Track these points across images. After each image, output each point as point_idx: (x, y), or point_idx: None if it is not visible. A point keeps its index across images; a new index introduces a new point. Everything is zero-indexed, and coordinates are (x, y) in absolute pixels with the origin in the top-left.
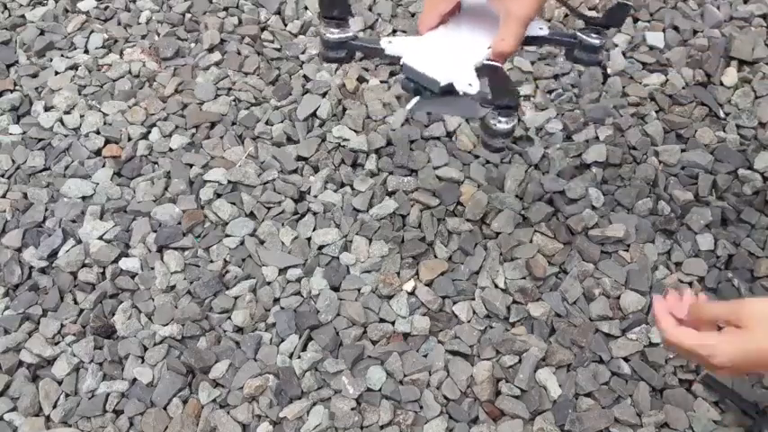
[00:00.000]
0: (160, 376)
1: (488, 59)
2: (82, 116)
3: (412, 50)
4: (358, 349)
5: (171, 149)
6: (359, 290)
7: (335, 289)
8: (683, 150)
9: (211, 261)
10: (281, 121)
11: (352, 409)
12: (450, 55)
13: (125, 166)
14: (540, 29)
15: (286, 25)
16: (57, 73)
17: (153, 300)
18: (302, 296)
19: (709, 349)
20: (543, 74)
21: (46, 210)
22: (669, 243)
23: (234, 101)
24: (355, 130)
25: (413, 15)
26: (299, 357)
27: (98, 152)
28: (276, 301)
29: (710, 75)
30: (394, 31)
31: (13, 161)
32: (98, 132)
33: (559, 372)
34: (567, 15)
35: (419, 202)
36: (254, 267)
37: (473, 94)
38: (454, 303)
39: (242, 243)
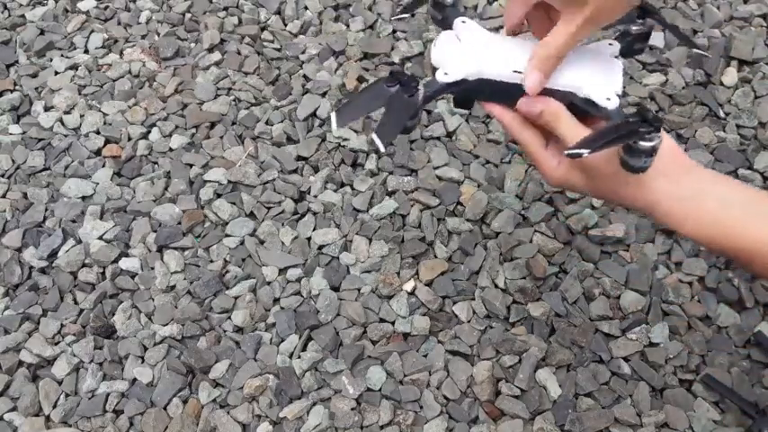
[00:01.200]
0: (160, 376)
1: None
2: (82, 116)
3: (464, 35)
4: (358, 349)
5: (171, 149)
6: (359, 290)
7: (335, 289)
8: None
9: (211, 261)
10: (281, 121)
11: (352, 409)
12: (478, 54)
13: (125, 166)
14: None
15: (286, 25)
16: (57, 73)
17: (153, 300)
18: (302, 296)
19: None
20: None
21: (46, 210)
22: (669, 243)
23: (234, 101)
24: (355, 130)
25: (413, 16)
26: (299, 357)
27: (98, 152)
28: (276, 301)
29: (710, 75)
30: (394, 31)
31: (13, 161)
32: (98, 132)
33: (559, 372)
34: None
35: (419, 202)
36: (254, 267)
37: (439, 81)
38: (454, 303)
39: (242, 243)
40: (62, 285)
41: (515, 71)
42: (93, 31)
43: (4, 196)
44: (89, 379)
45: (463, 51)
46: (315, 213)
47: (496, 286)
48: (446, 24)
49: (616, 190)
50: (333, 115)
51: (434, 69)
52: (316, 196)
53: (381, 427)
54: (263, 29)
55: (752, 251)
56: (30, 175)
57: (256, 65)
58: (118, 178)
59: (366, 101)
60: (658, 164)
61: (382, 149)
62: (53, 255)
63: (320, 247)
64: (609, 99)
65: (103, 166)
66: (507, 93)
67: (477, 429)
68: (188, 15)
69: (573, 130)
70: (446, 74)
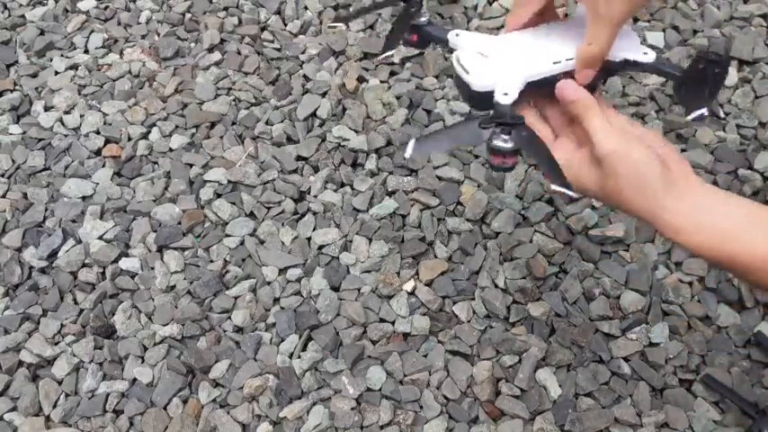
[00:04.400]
0: (160, 376)
1: (567, 71)
2: (82, 116)
3: (474, 47)
4: (358, 349)
5: (171, 149)
6: (359, 290)
7: (335, 289)
8: (683, 150)
9: (211, 261)
10: (281, 121)
11: (352, 408)
12: (513, 62)
13: (125, 166)
14: (644, 53)
15: (286, 25)
16: (57, 73)
17: (153, 300)
18: (302, 296)
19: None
20: None
21: (46, 210)
22: (669, 243)
23: (234, 101)
24: (355, 130)
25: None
26: (299, 357)
27: (98, 152)
28: (276, 300)
29: None
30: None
31: (13, 161)
32: (98, 132)
33: (559, 372)
34: None
35: (419, 202)
36: (254, 267)
37: (504, 104)
38: (454, 303)
39: (242, 243)
40: (62, 285)
41: (555, 62)
42: (93, 31)
43: (4, 196)
44: (89, 379)
45: (501, 64)
46: (315, 213)
47: (496, 286)
48: (424, 44)
49: (623, 192)
50: (411, 143)
51: (479, 94)
52: (316, 196)
53: (381, 427)
54: (263, 29)
55: (755, 265)
56: (30, 175)
57: (256, 65)
58: (118, 178)
59: (453, 138)
60: (666, 175)
61: (408, 155)
62: (53, 255)
63: (320, 247)
64: (506, 95)
65: (103, 166)
66: (541, 83)
67: (477, 429)
68: (188, 15)
69: (601, 122)
70: (506, 94)
